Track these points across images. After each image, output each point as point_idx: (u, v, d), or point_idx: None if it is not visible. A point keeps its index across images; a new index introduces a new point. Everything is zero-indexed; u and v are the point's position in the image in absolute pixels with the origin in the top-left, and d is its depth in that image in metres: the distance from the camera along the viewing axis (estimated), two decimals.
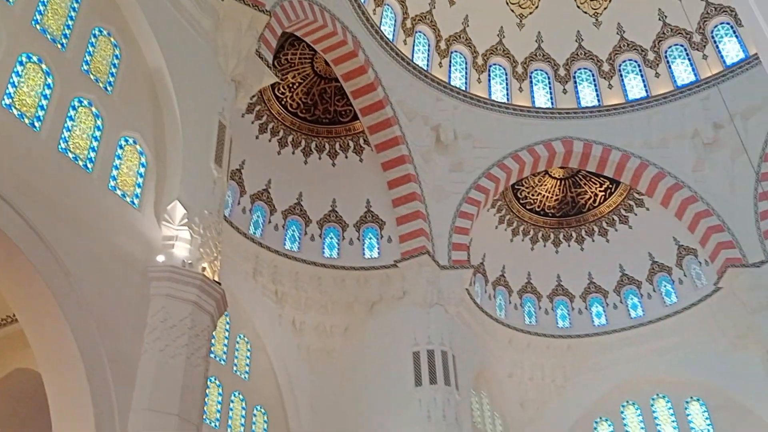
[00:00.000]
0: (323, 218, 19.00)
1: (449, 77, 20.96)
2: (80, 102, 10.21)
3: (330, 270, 17.95)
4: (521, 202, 21.52)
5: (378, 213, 19.01)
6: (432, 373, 16.12)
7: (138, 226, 10.33)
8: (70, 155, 9.73)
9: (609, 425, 19.84)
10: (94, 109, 10.40)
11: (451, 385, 16.11)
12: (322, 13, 17.03)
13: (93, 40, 10.91)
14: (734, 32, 20.26)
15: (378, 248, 18.70)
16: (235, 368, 15.69)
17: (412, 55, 20.41)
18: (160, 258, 10.27)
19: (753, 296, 17.69)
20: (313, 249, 18.39)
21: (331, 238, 18.85)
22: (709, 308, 18.85)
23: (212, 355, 14.33)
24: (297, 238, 18.45)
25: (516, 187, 21.24)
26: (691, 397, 19.11)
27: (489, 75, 21.75)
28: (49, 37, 10.06)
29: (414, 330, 16.84)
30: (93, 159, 10.12)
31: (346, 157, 19.46)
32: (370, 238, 18.90)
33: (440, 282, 17.58)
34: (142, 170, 10.95)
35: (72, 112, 10.02)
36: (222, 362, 15.20)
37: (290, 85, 18.77)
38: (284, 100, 18.85)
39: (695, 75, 20.43)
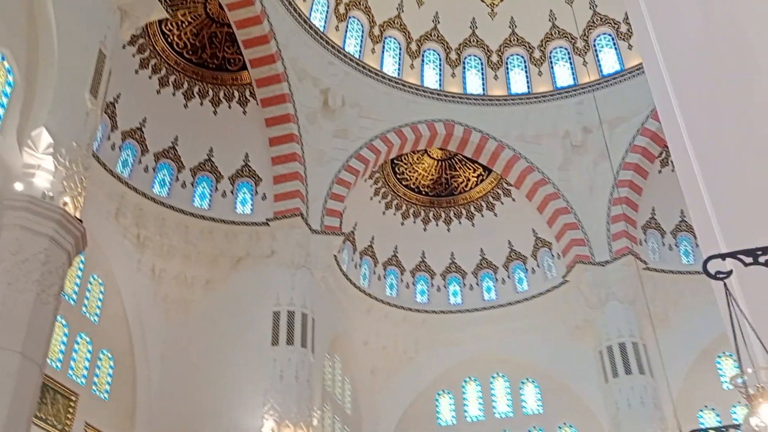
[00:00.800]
0: (198, 166, 18.46)
1: (344, 43, 20.85)
2: None
3: (198, 220, 17.53)
4: (398, 177, 21.94)
5: (255, 168, 18.73)
6: (290, 334, 16.26)
7: None
8: None
9: (450, 398, 20.91)
10: None
11: (307, 347, 16.32)
12: None
13: None
14: (614, 44, 21.52)
15: (251, 204, 18.46)
16: (84, 309, 15.04)
17: (310, 14, 20.09)
18: (18, 186, 9.64)
19: (594, 292, 19.14)
20: (183, 196, 17.86)
21: (204, 187, 18.38)
22: (554, 299, 20.20)
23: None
24: (167, 183, 17.83)
25: (395, 162, 21.61)
26: (527, 378, 20.49)
27: (383, 47, 21.84)
28: None
29: (277, 290, 16.87)
30: None
31: (230, 107, 18.95)
32: (244, 193, 18.62)
33: (310, 245, 17.67)
34: (8, 90, 10.17)
35: None
36: (71, 302, 14.52)
37: (179, 23, 17.95)
38: (171, 37, 18.01)
39: (574, 79, 21.55)
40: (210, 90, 18.76)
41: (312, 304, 17.07)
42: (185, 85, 18.45)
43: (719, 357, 18.89)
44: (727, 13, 3.22)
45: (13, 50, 10.28)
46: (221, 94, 18.87)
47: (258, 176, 18.69)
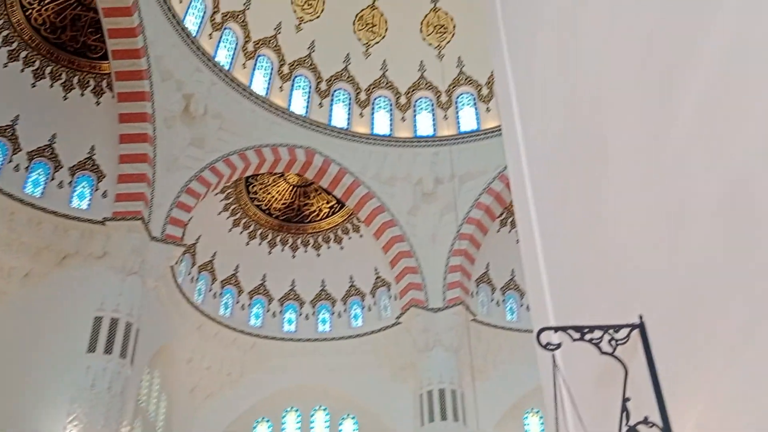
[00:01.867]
0: (35, 150, 17.19)
1: (215, 52, 20.45)
2: None
3: (28, 208, 16.26)
4: (251, 196, 21.64)
5: (100, 163, 17.74)
6: (110, 342, 15.37)
7: None
8: None
9: (269, 426, 20.60)
10: None
11: (126, 358, 15.48)
12: None
13: None
14: (474, 104, 22.77)
15: (89, 200, 17.41)
16: None
17: (185, 17, 19.55)
18: None
19: (423, 337, 19.80)
20: (14, 181, 16.51)
21: (39, 174, 17.11)
22: (385, 338, 20.64)
23: None
24: None
25: (250, 180, 21.33)
26: (348, 414, 20.66)
27: (255, 65, 21.66)
28: None
29: (103, 294, 15.93)
30: None
31: (82, 94, 17.90)
32: (84, 187, 17.54)
33: (147, 252, 16.90)
34: None
35: None
36: None
37: None
38: (30, 11, 16.81)
39: (434, 129, 22.49)
40: (63, 73, 17.65)
41: (139, 313, 16.26)
42: (36, 64, 17.24)
43: (527, 413, 20.12)
44: (586, 102, 3.55)
45: None
46: (75, 80, 17.81)
47: (102, 172, 17.71)
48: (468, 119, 22.58)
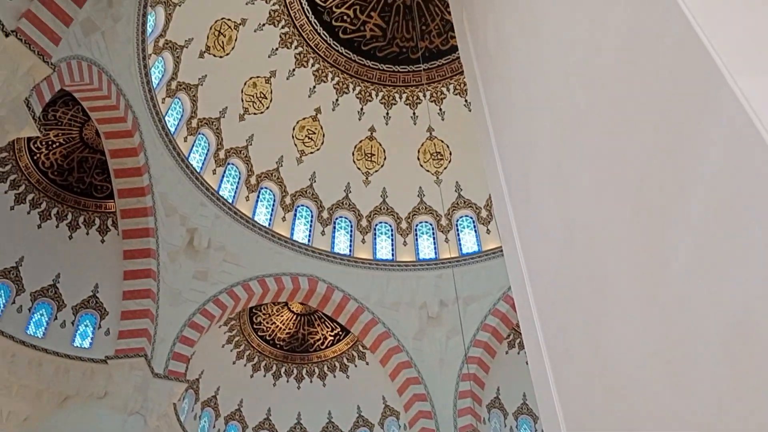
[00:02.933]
0: (39, 291, 17.20)
1: (219, 186, 20.95)
2: None
3: (28, 349, 16.04)
4: (254, 326, 21.46)
5: (103, 301, 17.70)
6: None
7: None
8: None
9: None
10: None
11: None
12: (109, 85, 16.38)
13: None
14: (474, 227, 23.03)
15: (91, 338, 17.23)
16: None
17: (189, 154, 20.18)
18: None
19: None
20: (15, 322, 16.42)
21: (41, 314, 17.04)
22: None
23: None
24: (0, 306, 16.39)
25: (254, 310, 21.22)
26: None
27: (258, 197, 22.12)
28: None
29: None
30: None
31: (87, 233, 18.16)
32: (86, 326, 17.40)
33: (149, 390, 16.52)
34: None
35: None
36: None
37: (50, 143, 17.43)
38: (38, 155, 17.38)
39: (435, 253, 22.63)
40: (69, 213, 18.00)
41: None
42: (43, 205, 17.61)
43: None
44: (582, 231, 3.57)
45: None
46: (81, 219, 18.13)
47: (104, 309, 17.64)
48: (469, 241, 22.77)
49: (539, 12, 4.15)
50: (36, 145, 17.17)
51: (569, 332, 4.14)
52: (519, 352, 20.98)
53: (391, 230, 23.26)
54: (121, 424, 15.75)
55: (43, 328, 16.85)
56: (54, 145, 17.50)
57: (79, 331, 17.23)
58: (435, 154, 23.65)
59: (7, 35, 12.44)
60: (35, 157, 17.30)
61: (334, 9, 22.64)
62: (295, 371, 21.89)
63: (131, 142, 17.39)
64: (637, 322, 2.61)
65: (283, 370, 21.81)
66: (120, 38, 16.49)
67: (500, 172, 7.25)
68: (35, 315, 16.88)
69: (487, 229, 22.50)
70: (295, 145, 23.19)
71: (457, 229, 23.08)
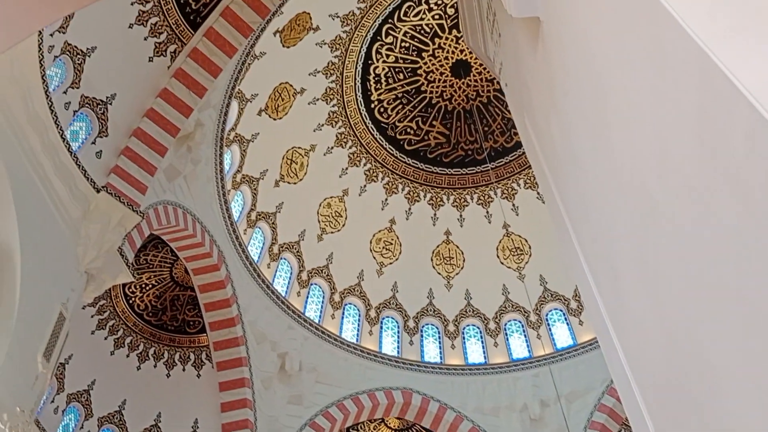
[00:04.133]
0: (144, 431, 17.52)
1: (305, 308, 21.23)
2: None
3: None
4: None
5: None
6: None
7: None
8: None
9: None
10: None
11: None
12: (194, 223, 17.21)
13: None
14: (566, 320, 22.32)
15: None
16: None
17: (273, 280, 20.68)
18: None
19: None
20: None
21: None
22: None
23: None
24: None
25: (351, 430, 20.85)
26: None
27: (343, 313, 22.26)
28: None
29: None
30: None
31: (184, 369, 18.58)
32: None
33: None
34: None
35: None
36: None
37: (143, 286, 18.24)
38: (133, 299, 18.18)
39: (529, 351, 21.93)
40: (165, 352, 18.52)
41: None
42: (140, 347, 18.22)
43: None
44: (683, 333, 3.44)
45: None
46: (176, 357, 18.60)
47: None
48: (562, 335, 22.02)
49: (605, 106, 4.19)
50: (131, 290, 18.00)
51: (683, 426, 3.90)
52: None
53: (480, 333, 22.80)
54: None
55: None
56: (147, 287, 18.30)
57: None
58: (514, 250, 23.42)
59: (98, 191, 13.38)
60: (130, 301, 18.09)
61: (397, 124, 23.43)
62: None
63: (218, 275, 18.00)
64: (754, 417, 2.44)
65: None
66: (200, 179, 17.45)
67: (584, 264, 7.09)
68: None
69: (580, 321, 21.76)
70: (374, 258, 23.45)
71: (548, 324, 22.41)
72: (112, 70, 14.48)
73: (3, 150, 11.01)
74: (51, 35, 12.68)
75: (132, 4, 14.93)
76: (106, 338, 17.64)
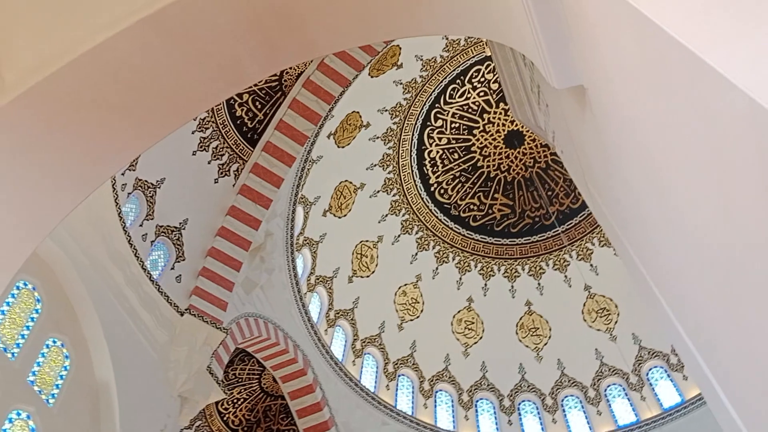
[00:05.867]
0: None
1: (396, 401, 20.90)
2: (18, 414, 9.77)
3: None
4: None
5: None
6: None
7: None
8: None
9: None
10: (31, 422, 9.91)
11: None
12: (276, 331, 17.43)
13: (45, 350, 10.83)
14: (669, 376, 21.19)
15: None
16: None
17: (360, 377, 20.53)
18: None
19: None
20: None
21: None
22: None
23: None
24: None
25: None
26: None
27: (435, 401, 21.78)
28: (1, 345, 9.96)
29: None
30: None
31: None
32: None
33: None
34: None
35: (8, 425, 9.52)
36: None
37: (235, 401, 18.40)
38: (226, 416, 18.32)
39: (636, 415, 20.80)
40: None
41: None
42: None
43: None
44: None
45: None
46: None
47: None
48: (668, 393, 20.84)
49: (659, 166, 4.15)
50: (223, 406, 18.17)
51: None
52: None
53: (580, 402, 21.85)
54: None
55: None
56: (239, 402, 18.44)
57: None
58: (600, 311, 22.66)
59: (182, 314, 13.80)
60: (224, 418, 18.23)
61: (459, 202, 23.53)
62: None
63: (306, 379, 18.02)
64: None
65: None
66: (276, 287, 17.79)
67: (674, 320, 6.83)
68: None
69: (684, 376, 20.62)
70: (458, 339, 23.09)
71: (651, 384, 21.31)
72: (182, 196, 15.20)
73: (90, 290, 11.55)
74: (122, 174, 13.47)
75: (193, 132, 15.80)
76: None
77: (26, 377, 10.17)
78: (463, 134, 22.82)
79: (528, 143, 22.97)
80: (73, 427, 10.63)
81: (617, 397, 21.58)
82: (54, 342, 11.04)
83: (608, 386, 21.89)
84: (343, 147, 20.15)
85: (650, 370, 21.56)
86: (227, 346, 15.30)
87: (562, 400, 22.03)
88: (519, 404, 22.20)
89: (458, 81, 21.88)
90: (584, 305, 22.89)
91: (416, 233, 23.01)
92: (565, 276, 23.31)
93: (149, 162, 14.26)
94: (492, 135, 22.84)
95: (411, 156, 22.47)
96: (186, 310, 14.09)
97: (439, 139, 22.72)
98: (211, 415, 17.98)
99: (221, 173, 16.59)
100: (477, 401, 22.22)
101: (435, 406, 21.65)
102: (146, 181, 14.53)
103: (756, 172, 2.70)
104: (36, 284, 10.96)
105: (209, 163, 16.33)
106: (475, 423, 21.53)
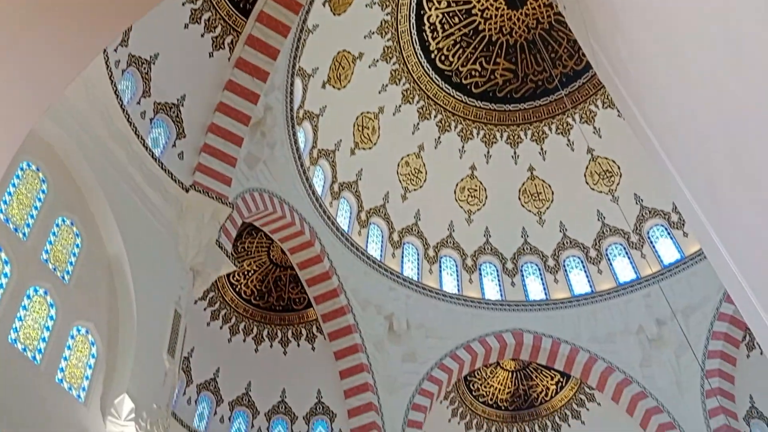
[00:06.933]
0: (271, 410, 18.33)
1: (402, 268, 21.47)
2: (35, 291, 10.08)
3: None
4: (474, 394, 21.29)
5: (329, 404, 18.49)
6: None
7: (82, 422, 9.82)
8: (19, 346, 9.42)
9: None
10: (49, 298, 10.25)
11: None
12: (281, 205, 17.63)
13: (55, 229, 11.01)
14: (669, 234, 21.60)
15: None
16: None
17: (367, 246, 20.98)
18: None
19: None
20: None
21: (279, 431, 18.10)
22: None
23: None
24: (243, 431, 17.65)
25: (468, 378, 21.10)
26: None
27: (440, 266, 22.37)
28: (11, 226, 10.12)
29: None
30: (42, 350, 9.81)
31: (298, 345, 19.24)
32: None
33: None
34: (91, 361, 10.62)
35: (26, 301, 9.85)
36: None
37: (246, 273, 18.91)
38: (238, 287, 18.90)
39: (636, 272, 21.41)
40: (278, 331, 19.22)
41: None
42: (254, 330, 18.98)
43: None
44: None
45: (96, 323, 10.89)
46: (289, 334, 19.27)
47: (332, 412, 18.38)
48: (668, 250, 21.33)
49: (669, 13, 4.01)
50: (235, 278, 18.71)
51: None
52: (762, 352, 18.98)
53: (582, 262, 22.43)
54: None
55: None
56: (250, 274, 18.97)
57: None
58: (603, 174, 22.75)
59: (187, 191, 13.91)
60: (237, 289, 18.82)
61: (460, 69, 23.03)
62: (527, 429, 21.25)
63: (313, 251, 18.43)
64: None
65: (514, 430, 21.27)
66: (279, 161, 17.81)
67: (676, 176, 6.85)
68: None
69: (684, 233, 21.01)
70: (461, 207, 23.36)
71: (651, 242, 21.77)
72: (178, 72, 14.90)
73: (94, 169, 11.59)
74: (115, 50, 13.13)
75: (183, 4, 15.23)
76: (221, 327, 18.47)
77: (39, 256, 10.41)
78: None
79: (531, 3, 22.16)
80: (90, 302, 11.00)
81: (618, 256, 22.11)
82: (63, 221, 11.22)
83: (609, 246, 22.38)
84: (339, 15, 19.47)
85: (651, 228, 21.96)
86: (234, 220, 15.53)
87: (564, 261, 22.60)
88: (522, 266, 22.80)
89: None
90: (587, 168, 22.96)
91: (417, 102, 22.70)
92: (568, 140, 23.21)
93: (141, 37, 13.87)
94: None
95: (410, 21, 21.75)
96: (191, 186, 14.19)
97: (438, 2, 21.91)
98: (224, 286, 18.55)
99: (216, 46, 16.15)
100: (481, 265, 22.81)
101: (440, 271, 22.26)
102: (139, 57, 14.18)
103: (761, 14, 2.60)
104: (40, 165, 10.99)
105: (202, 36, 15.85)
106: (479, 286, 22.21)
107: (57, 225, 11.06)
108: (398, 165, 22.71)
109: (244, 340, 18.79)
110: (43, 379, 9.53)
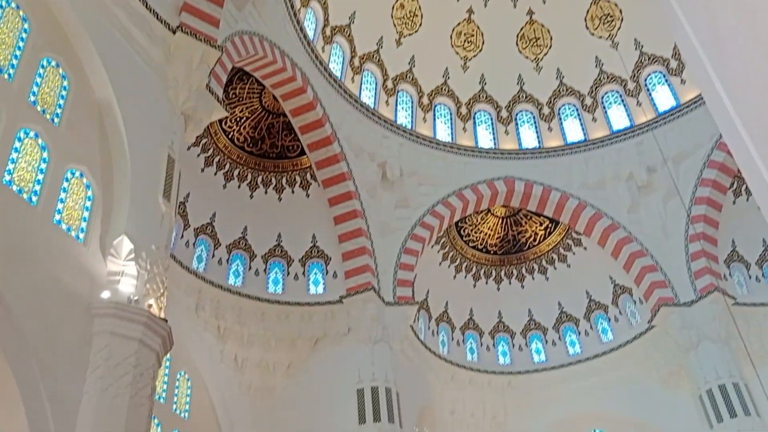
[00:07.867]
0: (268, 253, 18.87)
1: (395, 116, 21.31)
2: (26, 134, 10.00)
3: (274, 305, 17.78)
4: (464, 239, 21.89)
5: (324, 248, 19.02)
6: (376, 411, 16.07)
7: (83, 261, 10.10)
8: (14, 188, 9.48)
9: None
10: (40, 140, 10.19)
11: (394, 422, 16.08)
12: (272, 50, 17.14)
13: (41, 71, 10.74)
14: (666, 81, 21.31)
15: (323, 284, 18.66)
16: (174, 407, 15.28)
17: (360, 93, 20.68)
18: (105, 294, 10.05)
19: (684, 335, 18.33)
20: (257, 284, 18.21)
21: (276, 273, 18.72)
22: (643, 346, 19.42)
23: None
24: (241, 273, 18.26)
25: (459, 224, 21.61)
26: None
27: (434, 114, 22.21)
28: None
29: (358, 367, 16.79)
30: (38, 192, 9.88)
31: (293, 192, 19.46)
32: (316, 274, 18.86)
33: (385, 318, 17.64)
34: (88, 204, 10.74)
35: (18, 144, 9.80)
36: (162, 400, 14.78)
37: (238, 119, 18.73)
38: (231, 133, 18.79)
39: (630, 120, 21.35)
40: (272, 178, 19.36)
41: (394, 377, 16.89)
42: (249, 177, 19.10)
43: None
44: None
45: (89, 166, 10.90)
46: (284, 181, 19.43)
47: (327, 255, 18.94)
48: (664, 98, 21.15)
49: None
50: (228, 125, 18.55)
51: None
52: (748, 198, 19.37)
53: (576, 110, 22.28)
54: (370, 353, 17.00)
55: (280, 284, 18.52)
56: (242, 120, 18.79)
57: (311, 280, 18.71)
58: (604, 18, 22.02)
59: (174, 32, 13.43)
60: (230, 136, 18.72)
61: None
62: (515, 272, 22.10)
63: (306, 97, 18.16)
64: None
65: (503, 273, 22.11)
66: (269, 2, 17.11)
67: (680, 14, 6.59)
68: (271, 274, 18.59)
69: (682, 80, 20.72)
70: (457, 53, 22.81)
71: (648, 89, 21.51)
72: None
73: (76, 6, 11.11)
74: None
75: None
76: (215, 174, 18.57)
77: (27, 98, 10.22)
78: None
79: None
80: (82, 145, 10.95)
81: (614, 104, 21.94)
82: (49, 62, 10.92)
83: (606, 93, 22.14)
84: None
85: (649, 75, 21.63)
86: (224, 64, 15.14)
87: (559, 109, 22.44)
88: (516, 114, 22.65)
89: None
90: (588, 12, 22.19)
91: None
92: None
93: None
94: None
95: None
96: (177, 27, 13.68)
97: None
98: (216, 133, 18.42)
99: None
100: (475, 113, 22.65)
101: (434, 119, 22.11)
102: None
103: None
104: (19, 2, 10.52)
105: None
106: (473, 134, 22.18)
107: (42, 66, 10.77)
108: (393, 8, 21.89)
109: (239, 187, 18.97)
110: (41, 220, 9.68)
